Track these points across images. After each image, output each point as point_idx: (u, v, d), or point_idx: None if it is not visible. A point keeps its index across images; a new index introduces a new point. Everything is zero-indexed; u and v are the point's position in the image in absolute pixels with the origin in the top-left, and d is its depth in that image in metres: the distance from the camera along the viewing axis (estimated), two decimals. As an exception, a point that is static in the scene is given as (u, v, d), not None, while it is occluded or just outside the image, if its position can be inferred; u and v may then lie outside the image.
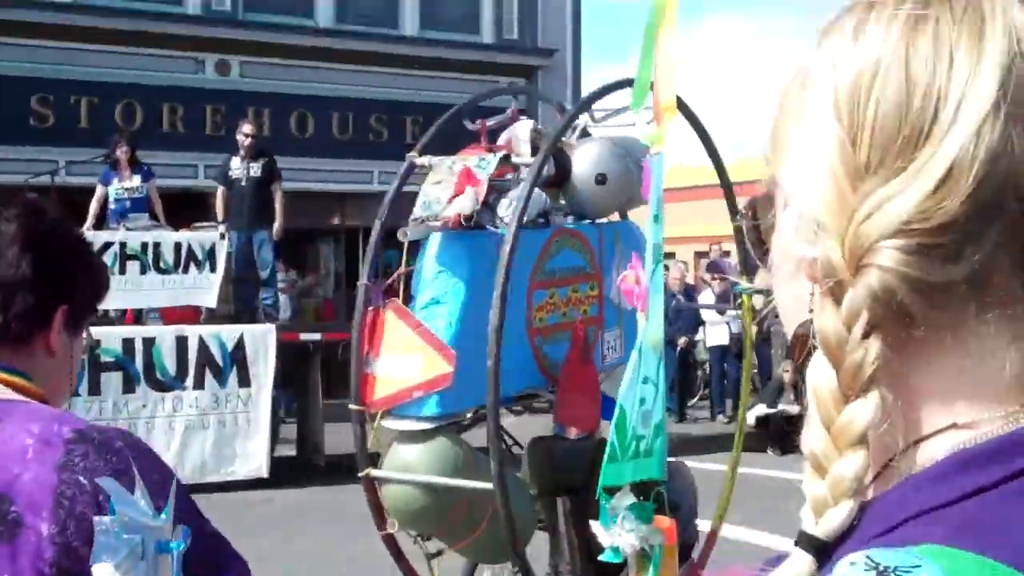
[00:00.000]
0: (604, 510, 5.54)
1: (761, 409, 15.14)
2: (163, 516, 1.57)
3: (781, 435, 14.65)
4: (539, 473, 5.75)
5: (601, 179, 6.45)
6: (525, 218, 5.45)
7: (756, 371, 18.44)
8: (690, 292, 17.83)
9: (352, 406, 5.58)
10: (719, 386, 16.75)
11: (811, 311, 0.88)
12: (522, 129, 6.13)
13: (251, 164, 13.43)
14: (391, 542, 5.34)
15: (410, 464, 5.29)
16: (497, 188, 5.86)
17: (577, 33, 22.97)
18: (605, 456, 5.20)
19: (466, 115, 6.33)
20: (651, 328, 5.86)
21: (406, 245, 5.40)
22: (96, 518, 1.52)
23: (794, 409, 14.77)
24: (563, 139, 6.05)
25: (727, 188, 6.63)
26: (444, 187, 5.62)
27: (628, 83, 5.61)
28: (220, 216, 13.58)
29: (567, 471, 5.64)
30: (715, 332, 16.66)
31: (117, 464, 1.58)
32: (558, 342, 6.07)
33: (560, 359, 6.01)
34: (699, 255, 29.34)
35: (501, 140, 6.41)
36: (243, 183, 13.41)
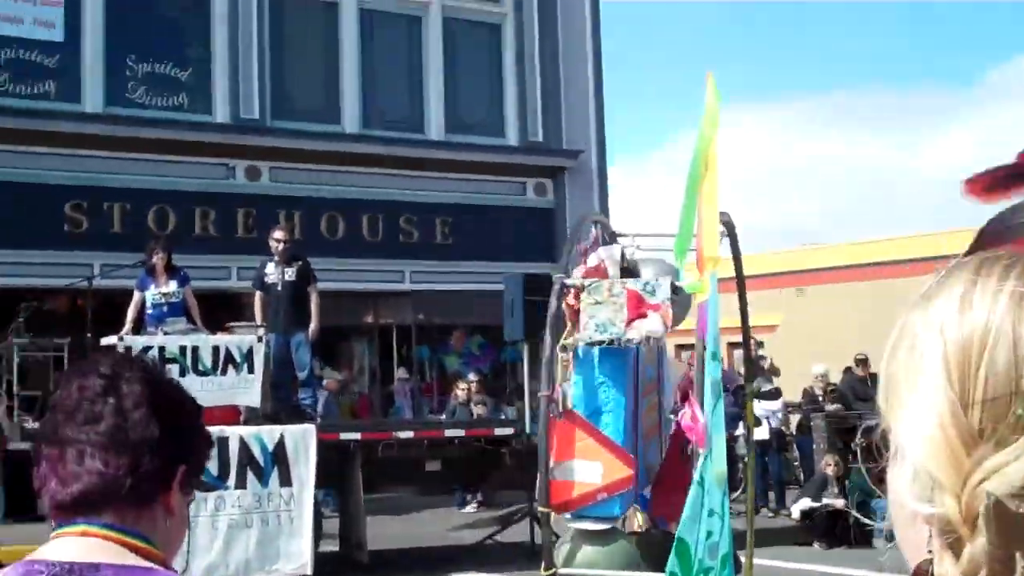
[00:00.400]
0: None
1: (806, 503, 15.08)
2: None
3: (825, 529, 14.61)
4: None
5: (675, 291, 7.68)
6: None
7: (799, 464, 18.38)
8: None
9: (540, 508, 6.36)
10: (761, 481, 16.67)
11: (929, 551, 0.94)
12: (614, 252, 6.90)
13: (286, 269, 13.59)
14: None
15: (596, 561, 5.99)
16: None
17: (601, 133, 23.29)
18: None
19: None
20: (715, 462, 6.01)
21: (559, 362, 6.17)
22: None
23: (839, 503, 14.73)
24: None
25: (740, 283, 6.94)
26: (613, 310, 6.38)
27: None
28: (259, 320, 13.70)
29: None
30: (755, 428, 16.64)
31: None
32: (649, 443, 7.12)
33: (652, 460, 6.89)
34: (732, 346, 29.30)
35: (591, 262, 7.12)
36: (279, 288, 13.55)
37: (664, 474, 6.85)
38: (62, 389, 1.76)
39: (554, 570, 5.58)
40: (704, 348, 6.30)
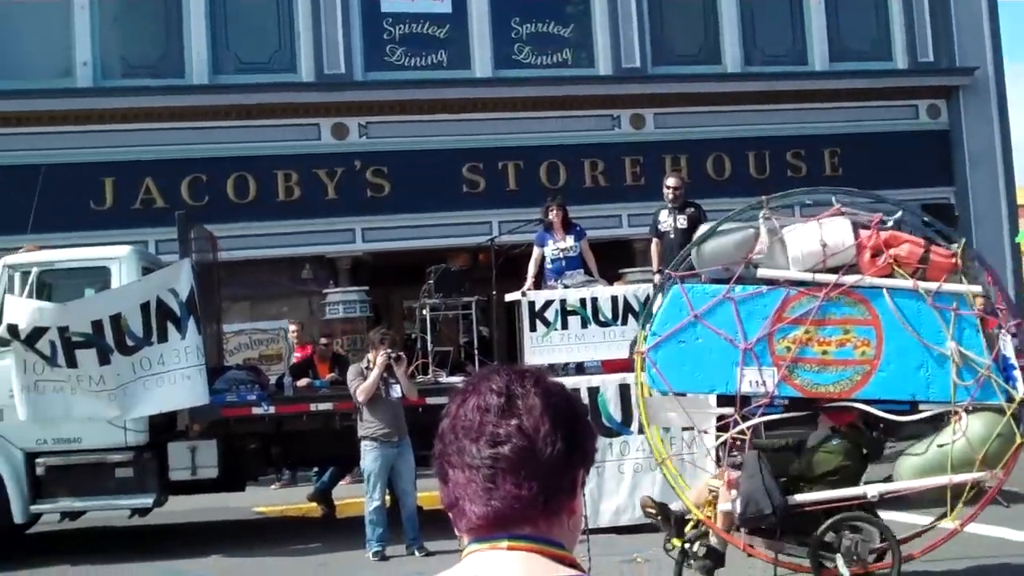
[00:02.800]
0: None
1: None
2: None
3: None
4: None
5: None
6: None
7: None
8: None
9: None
10: None
11: None
12: None
13: (678, 216, 13.68)
14: None
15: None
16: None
17: (997, 47, 21.98)
18: None
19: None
20: None
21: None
22: None
23: None
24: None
25: None
26: None
27: None
28: (655, 266, 13.88)
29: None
30: None
31: None
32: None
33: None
34: None
35: None
36: (671, 235, 13.66)
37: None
38: (457, 407, 1.81)
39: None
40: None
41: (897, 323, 8.81)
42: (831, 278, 8.97)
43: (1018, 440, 8.58)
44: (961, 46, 21.82)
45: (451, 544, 10.29)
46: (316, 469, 14.68)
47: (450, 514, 1.79)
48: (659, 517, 9.37)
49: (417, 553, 11.38)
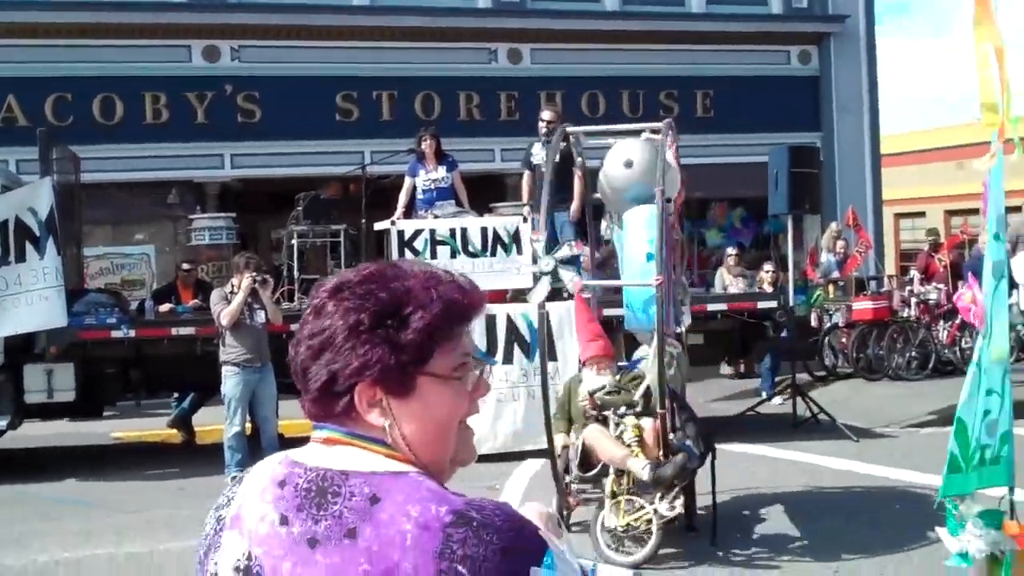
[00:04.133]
0: (951, 517, 5.64)
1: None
2: None
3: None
4: None
5: (628, 164, 9.16)
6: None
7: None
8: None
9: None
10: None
11: None
12: None
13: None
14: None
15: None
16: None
17: (869, -5, 22.37)
18: (946, 466, 5.44)
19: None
20: (995, 342, 5.86)
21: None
22: None
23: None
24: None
25: None
26: None
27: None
28: (525, 199, 13.91)
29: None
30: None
31: (501, 545, 1.54)
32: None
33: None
34: (949, 213, 28.46)
35: None
36: (543, 168, 13.69)
37: None
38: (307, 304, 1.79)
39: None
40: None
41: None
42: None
43: None
44: (835, -7, 22.19)
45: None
46: (176, 395, 14.49)
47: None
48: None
49: None
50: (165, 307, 13.52)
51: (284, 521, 1.62)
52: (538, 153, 13.79)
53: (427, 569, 1.51)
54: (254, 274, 11.43)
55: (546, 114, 13.99)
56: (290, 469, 1.68)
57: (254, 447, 11.31)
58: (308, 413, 1.74)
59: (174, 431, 14.16)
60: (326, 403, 1.70)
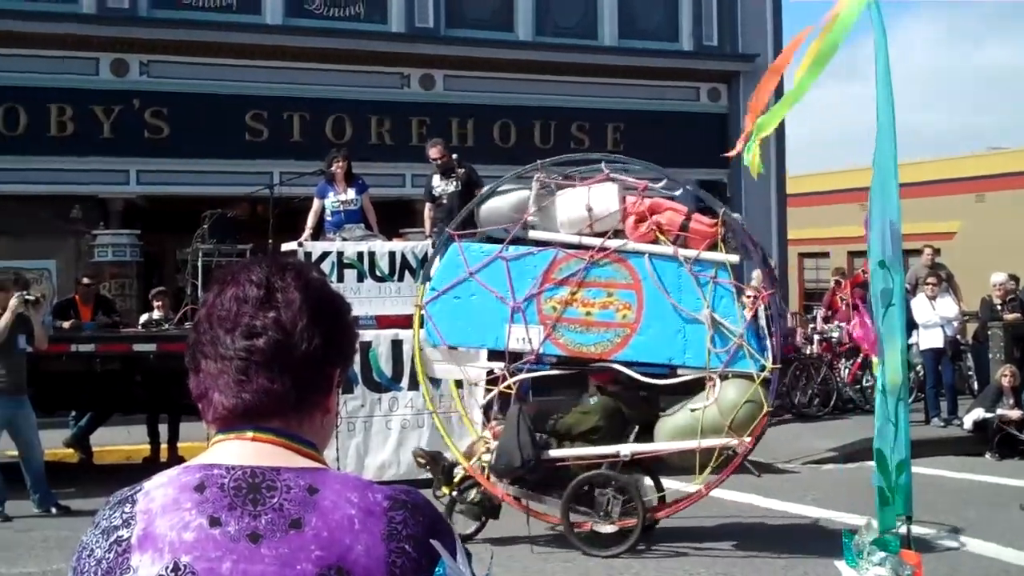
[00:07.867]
0: (848, 548, 5.70)
1: (979, 413, 14.73)
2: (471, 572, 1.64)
3: (999, 440, 14.27)
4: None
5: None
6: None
7: (973, 374, 17.90)
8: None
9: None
10: (933, 390, 16.32)
11: None
12: None
13: (451, 180, 13.71)
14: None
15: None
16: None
17: (778, 37, 22.73)
18: (876, 501, 5.49)
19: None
20: (888, 371, 5.95)
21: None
22: None
23: (1014, 414, 14.35)
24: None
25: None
26: None
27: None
28: (427, 231, 13.92)
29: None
30: (929, 336, 16.17)
31: (430, 524, 1.63)
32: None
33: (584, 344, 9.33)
34: (852, 255, 29.11)
35: None
36: (444, 200, 13.69)
37: None
38: (214, 296, 1.74)
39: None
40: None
41: (657, 288, 9.07)
42: (597, 242, 9.19)
43: (766, 408, 8.92)
44: (744, 34, 22.53)
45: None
46: (74, 413, 14.18)
47: (199, 404, 1.72)
48: (428, 466, 9.54)
49: (53, 510, 10.73)
50: (68, 323, 13.24)
51: (215, 523, 1.60)
52: (438, 184, 13.80)
53: (377, 550, 1.58)
54: (23, 292, 10.84)
55: (432, 152, 13.88)
56: (205, 472, 1.65)
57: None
58: (237, 409, 1.68)
59: (71, 450, 13.84)
60: (282, 396, 1.68)
